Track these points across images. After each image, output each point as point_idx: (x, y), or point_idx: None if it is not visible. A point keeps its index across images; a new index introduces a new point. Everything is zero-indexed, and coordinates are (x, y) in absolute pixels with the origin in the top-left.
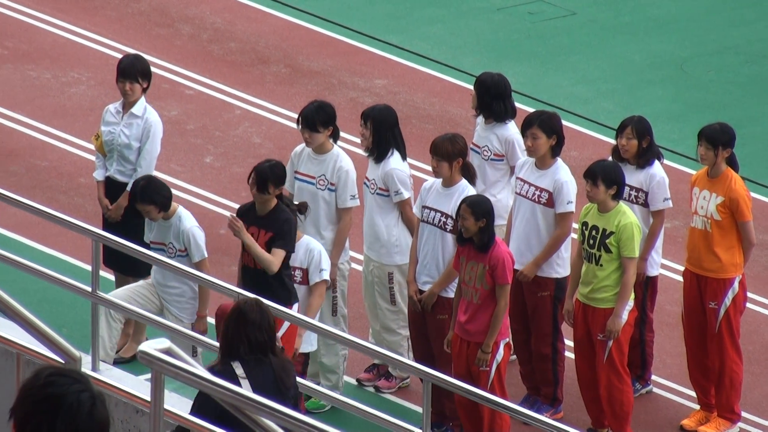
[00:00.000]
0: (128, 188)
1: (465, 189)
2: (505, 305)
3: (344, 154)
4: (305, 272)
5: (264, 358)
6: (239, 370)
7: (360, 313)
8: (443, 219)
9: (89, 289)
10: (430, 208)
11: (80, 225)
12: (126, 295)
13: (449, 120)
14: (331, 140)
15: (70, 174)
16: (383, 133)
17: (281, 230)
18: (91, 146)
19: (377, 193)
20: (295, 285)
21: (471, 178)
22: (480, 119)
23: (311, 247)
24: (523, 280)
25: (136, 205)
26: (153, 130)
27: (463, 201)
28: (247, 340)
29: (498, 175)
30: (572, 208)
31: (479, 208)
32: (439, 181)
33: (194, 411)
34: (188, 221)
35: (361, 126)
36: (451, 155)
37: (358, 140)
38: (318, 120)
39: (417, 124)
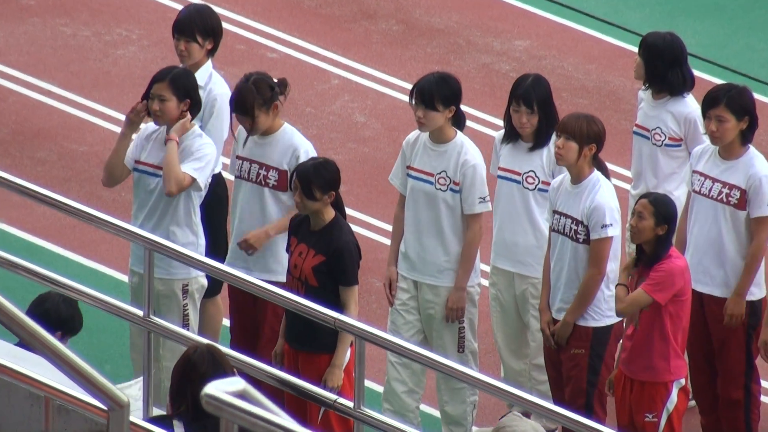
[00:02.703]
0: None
1: (597, 183)
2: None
3: (471, 143)
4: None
5: (210, 421)
6: (179, 430)
7: (488, 347)
8: (573, 226)
9: (141, 313)
10: (561, 213)
11: (129, 229)
12: None
13: (609, 93)
14: (453, 127)
15: None
16: (547, 113)
17: (337, 260)
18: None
19: (539, 189)
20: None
21: (604, 174)
22: (646, 94)
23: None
24: (734, 323)
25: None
26: (219, 104)
27: (645, 196)
28: (192, 398)
29: (674, 165)
30: None
31: (664, 210)
32: (568, 177)
33: None
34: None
35: (519, 111)
36: (584, 137)
37: (491, 120)
38: (438, 95)
39: (568, 98)
